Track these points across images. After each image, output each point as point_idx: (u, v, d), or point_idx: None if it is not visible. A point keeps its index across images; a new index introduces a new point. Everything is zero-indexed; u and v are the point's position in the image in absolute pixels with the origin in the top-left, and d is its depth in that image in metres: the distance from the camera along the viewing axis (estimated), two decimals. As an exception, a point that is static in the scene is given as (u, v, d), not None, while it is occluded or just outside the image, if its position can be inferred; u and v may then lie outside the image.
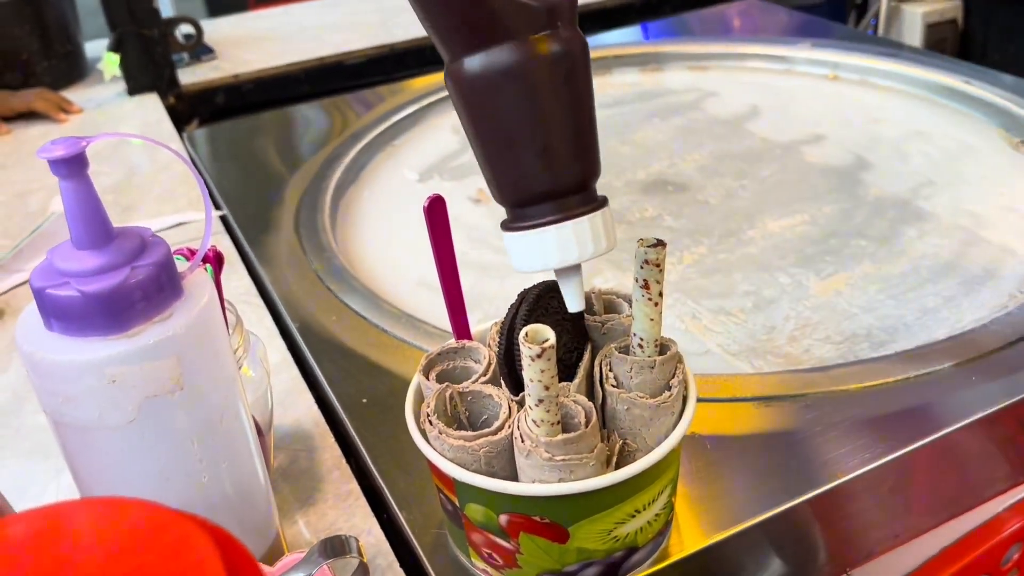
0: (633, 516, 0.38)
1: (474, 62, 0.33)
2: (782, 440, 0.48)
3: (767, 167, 0.79)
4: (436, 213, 0.41)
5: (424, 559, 0.43)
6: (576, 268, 0.37)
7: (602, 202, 0.36)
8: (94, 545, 0.23)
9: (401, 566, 0.43)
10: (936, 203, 0.71)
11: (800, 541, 0.47)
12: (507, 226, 0.37)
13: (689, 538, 0.43)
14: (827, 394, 0.50)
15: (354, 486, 0.48)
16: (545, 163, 0.34)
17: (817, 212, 0.71)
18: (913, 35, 1.37)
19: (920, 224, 0.69)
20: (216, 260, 0.43)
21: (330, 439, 0.52)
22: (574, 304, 0.37)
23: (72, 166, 0.31)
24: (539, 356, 0.33)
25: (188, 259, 0.37)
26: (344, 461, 0.50)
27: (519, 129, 0.34)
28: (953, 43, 1.39)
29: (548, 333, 0.33)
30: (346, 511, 0.47)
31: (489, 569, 0.41)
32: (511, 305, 0.39)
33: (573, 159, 0.35)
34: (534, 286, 0.39)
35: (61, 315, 0.32)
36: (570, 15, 0.34)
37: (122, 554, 0.22)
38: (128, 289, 0.32)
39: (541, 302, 0.39)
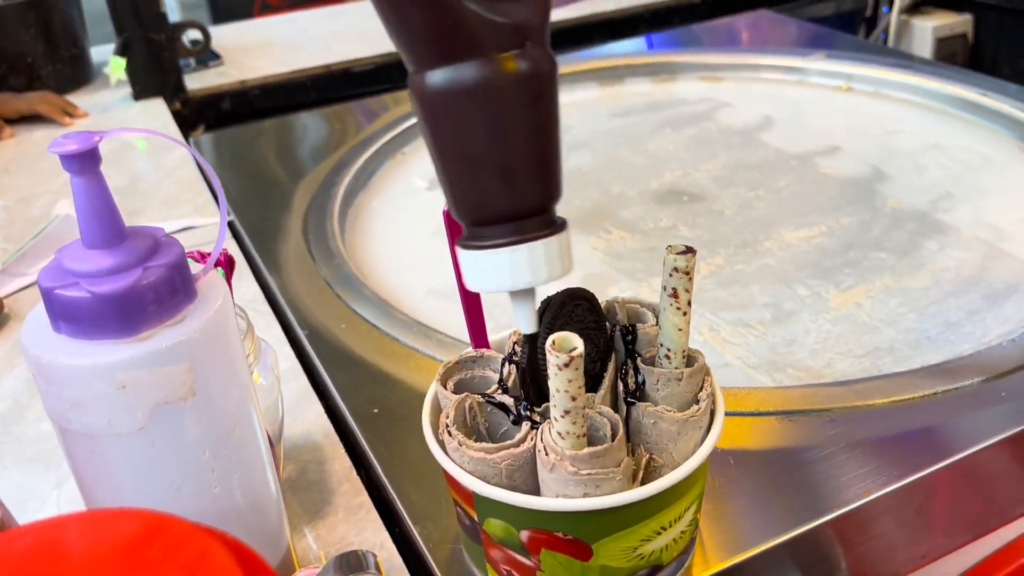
0: (659, 533, 0.37)
1: (437, 77, 0.31)
2: (806, 456, 0.47)
3: (782, 178, 0.78)
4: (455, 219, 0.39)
5: (439, 574, 0.41)
6: (530, 292, 0.35)
7: (560, 226, 0.34)
8: (105, 558, 0.22)
9: (414, 582, 0.42)
10: (956, 215, 0.70)
11: (824, 561, 0.46)
12: (462, 243, 0.35)
13: (713, 557, 0.41)
14: (851, 409, 0.49)
15: (365, 499, 0.47)
16: (505, 185, 0.33)
17: (834, 223, 0.70)
18: (923, 49, 1.36)
19: (940, 237, 0.67)
20: (227, 264, 0.41)
21: (340, 450, 0.50)
22: (525, 326, 0.36)
23: (85, 162, 0.30)
24: (566, 365, 0.32)
25: (199, 262, 0.36)
26: (354, 473, 0.49)
27: (480, 149, 0.32)
28: (963, 57, 1.38)
29: (576, 341, 0.32)
30: (357, 524, 0.45)
31: (508, 587, 0.39)
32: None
33: (534, 182, 0.33)
34: (558, 293, 0.38)
35: (70, 317, 0.30)
36: (540, 34, 0.32)
37: (136, 570, 0.21)
38: (140, 291, 0.31)
39: (565, 309, 0.37)
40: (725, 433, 0.47)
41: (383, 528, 0.45)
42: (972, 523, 0.51)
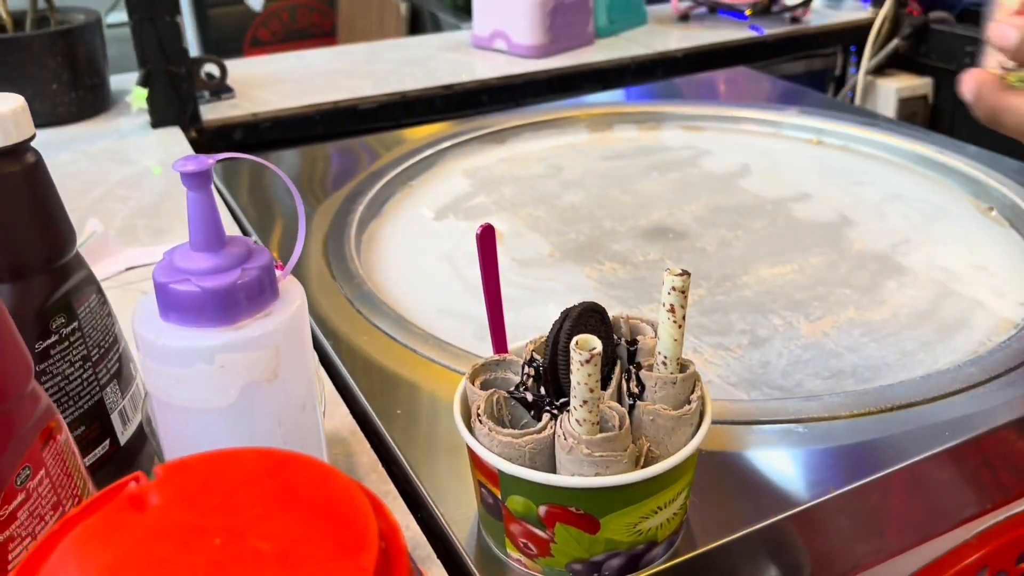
0: (656, 512, 0.43)
1: None
2: (777, 460, 0.54)
3: (759, 220, 0.86)
4: (487, 240, 0.46)
5: (462, 548, 0.47)
6: None
7: None
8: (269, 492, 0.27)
9: (437, 557, 0.48)
10: (913, 259, 0.78)
11: (792, 549, 0.52)
12: None
13: (699, 540, 0.48)
14: (819, 420, 0.56)
15: (391, 487, 0.53)
16: None
17: (805, 262, 0.78)
18: (887, 108, 1.46)
19: (899, 277, 0.75)
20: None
21: (366, 445, 0.57)
22: None
23: (201, 179, 0.36)
24: (587, 361, 0.39)
25: (278, 269, 0.42)
26: (380, 466, 0.55)
27: None
28: (924, 117, 1.48)
29: (595, 342, 0.39)
30: (385, 509, 0.51)
31: (523, 558, 0.45)
32: (555, 322, 0.44)
33: None
34: (576, 305, 0.45)
35: (179, 307, 0.37)
36: None
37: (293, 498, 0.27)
38: (238, 288, 0.37)
39: (582, 319, 0.44)
40: (710, 438, 0.54)
41: (408, 513, 0.51)
42: (922, 524, 0.58)
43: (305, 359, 0.40)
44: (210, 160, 0.37)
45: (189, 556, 0.24)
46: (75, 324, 0.46)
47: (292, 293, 0.40)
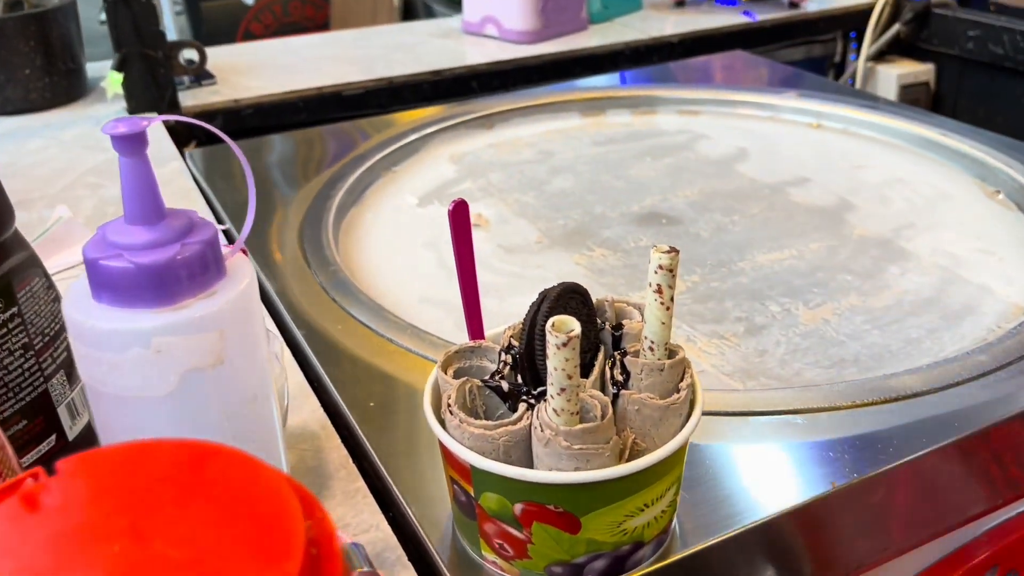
0: (642, 510, 0.40)
1: None
2: (774, 452, 0.50)
3: (755, 205, 0.82)
4: (459, 216, 0.43)
5: (433, 550, 0.44)
6: None
7: None
8: (163, 479, 0.24)
9: (409, 559, 0.45)
10: (917, 244, 0.75)
11: (790, 548, 0.49)
12: None
13: (689, 539, 0.44)
14: (818, 411, 0.52)
15: (361, 484, 0.50)
16: None
17: (804, 248, 0.74)
18: (888, 95, 1.42)
19: (902, 262, 0.72)
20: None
21: (336, 440, 0.53)
22: None
23: (133, 143, 0.33)
24: (564, 345, 0.35)
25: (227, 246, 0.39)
26: (351, 461, 0.51)
27: None
28: (926, 104, 1.45)
29: (573, 324, 0.35)
30: (354, 508, 0.48)
31: (499, 560, 0.42)
32: (532, 303, 0.41)
33: None
34: (554, 287, 0.41)
35: (112, 286, 0.33)
36: None
37: (193, 488, 0.23)
38: (178, 264, 0.33)
39: (561, 300, 0.41)
40: (702, 430, 0.51)
41: (379, 511, 0.48)
42: (928, 521, 0.55)
43: (255, 344, 0.37)
44: (144, 122, 0.33)
45: (81, 565, 0.20)
46: (14, 309, 0.42)
47: (241, 271, 0.36)
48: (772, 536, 0.47)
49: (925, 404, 0.53)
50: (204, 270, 0.34)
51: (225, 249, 0.37)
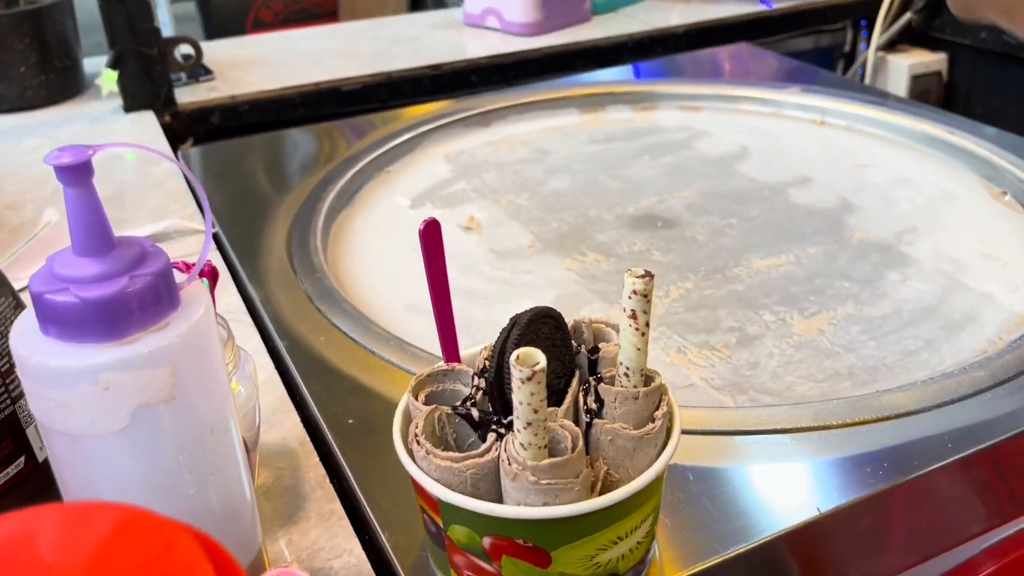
0: (615, 543, 0.39)
1: None
2: (762, 474, 0.49)
3: (755, 207, 0.80)
4: (431, 236, 0.41)
5: (405, 580, 0.43)
6: None
7: None
8: (76, 549, 0.23)
9: (381, 587, 0.44)
10: (919, 248, 0.73)
11: (779, 574, 0.48)
12: None
13: (669, 569, 0.43)
14: (808, 430, 0.51)
15: (337, 506, 0.49)
16: None
17: (802, 252, 0.73)
18: (899, 86, 1.40)
19: (903, 268, 0.70)
20: (211, 275, 0.43)
21: (314, 458, 0.52)
22: None
23: (78, 173, 0.32)
24: (529, 379, 0.34)
25: (184, 272, 0.38)
26: (328, 481, 0.50)
27: None
28: (938, 95, 1.42)
29: (539, 356, 0.34)
30: (328, 530, 0.47)
31: (470, 592, 0.41)
32: (502, 329, 0.40)
33: None
34: (526, 311, 0.40)
35: (58, 320, 0.32)
36: None
37: (106, 557, 0.22)
38: (126, 297, 0.32)
39: (532, 326, 0.39)
40: (685, 450, 0.49)
41: (354, 535, 0.47)
42: (923, 543, 0.53)
43: (212, 376, 0.35)
44: (89, 151, 0.32)
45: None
46: (-23, 331, 0.42)
47: (196, 301, 0.35)
48: (757, 563, 0.45)
49: (919, 423, 0.51)
50: (155, 302, 0.33)
51: (180, 277, 0.35)
